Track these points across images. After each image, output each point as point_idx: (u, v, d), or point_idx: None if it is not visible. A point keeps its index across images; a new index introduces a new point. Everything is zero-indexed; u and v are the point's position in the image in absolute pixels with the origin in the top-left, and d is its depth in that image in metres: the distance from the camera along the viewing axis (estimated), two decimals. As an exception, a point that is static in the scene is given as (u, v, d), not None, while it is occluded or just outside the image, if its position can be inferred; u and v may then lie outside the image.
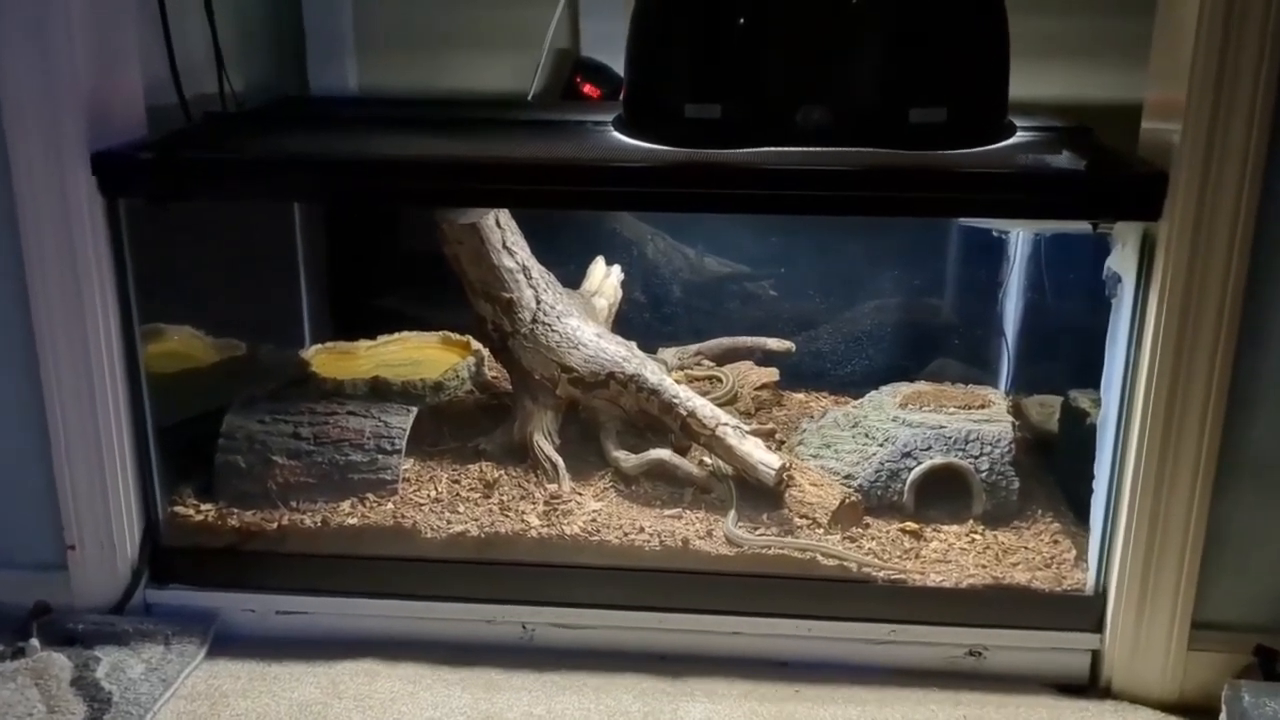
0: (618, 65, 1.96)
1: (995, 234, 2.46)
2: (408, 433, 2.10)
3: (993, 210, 1.94)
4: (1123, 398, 1.84)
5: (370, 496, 2.08)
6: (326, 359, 2.54)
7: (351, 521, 2.03)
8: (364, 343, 2.60)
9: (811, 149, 1.83)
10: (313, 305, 2.70)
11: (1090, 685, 1.92)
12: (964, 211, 2.10)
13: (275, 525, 2.03)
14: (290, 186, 1.95)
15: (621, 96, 2.01)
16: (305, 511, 2.05)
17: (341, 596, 2.00)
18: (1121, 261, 1.83)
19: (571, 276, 2.43)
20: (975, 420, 2.21)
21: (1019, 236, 2.45)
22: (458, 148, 1.96)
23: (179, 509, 2.08)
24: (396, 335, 2.63)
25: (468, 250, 2.16)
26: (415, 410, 2.15)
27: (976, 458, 2.13)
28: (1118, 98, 1.96)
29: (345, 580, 2.00)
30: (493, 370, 2.50)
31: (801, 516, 2.05)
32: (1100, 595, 1.90)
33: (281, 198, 2.11)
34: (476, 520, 2.03)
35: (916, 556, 2.01)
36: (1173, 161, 1.67)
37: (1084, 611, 1.92)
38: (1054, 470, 2.23)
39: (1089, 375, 2.09)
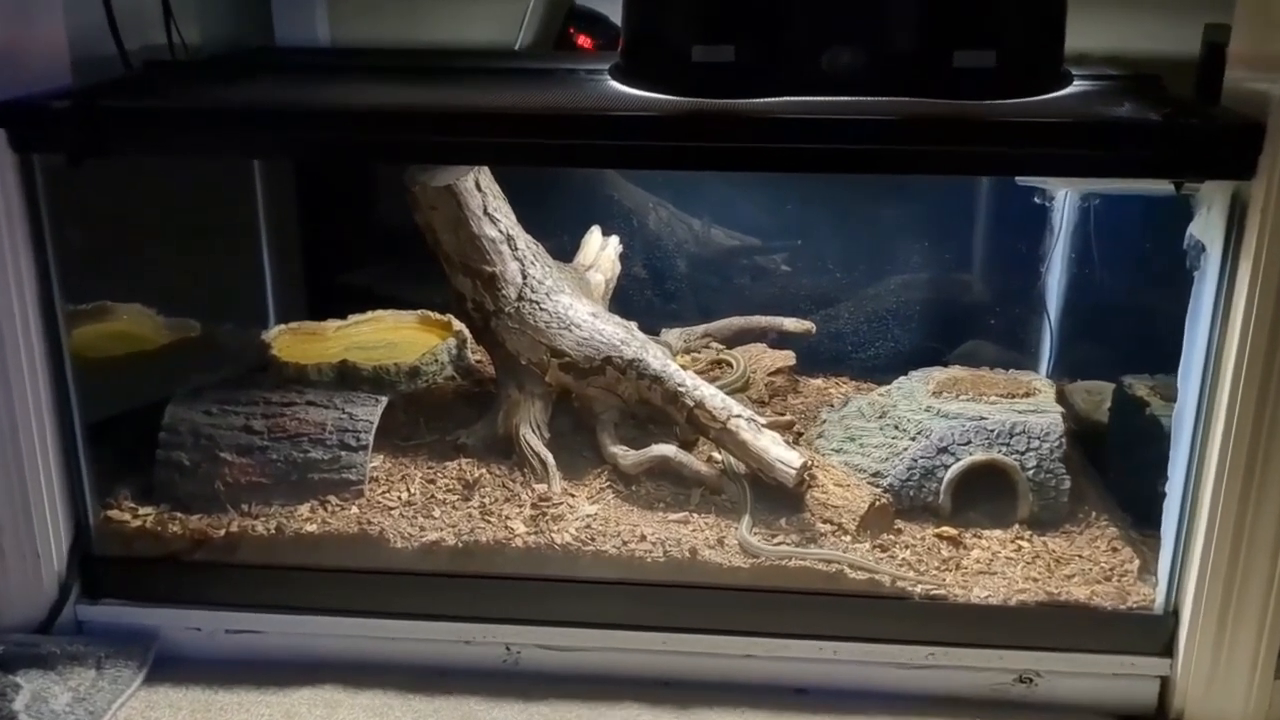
0: (617, 15, 1.86)
1: (1037, 200, 2.38)
2: (375, 425, 2.00)
3: (1059, 168, 1.80)
4: (1204, 386, 1.70)
5: (332, 499, 1.98)
6: (290, 341, 2.41)
7: (311, 528, 1.92)
8: (333, 323, 2.48)
9: (839, 99, 1.71)
10: (277, 280, 2.61)
11: (1158, 717, 1.82)
12: (1025, 169, 1.94)
13: (224, 532, 1.93)
14: (229, 140, 1.79)
15: (620, 40, 1.88)
16: (258, 516, 1.95)
17: (299, 614, 1.91)
18: (1206, 228, 1.68)
19: (564, 250, 2.34)
20: (1020, 411, 2.08)
21: (1065, 203, 2.35)
22: (427, 95, 1.85)
23: (114, 513, 1.97)
24: (369, 314, 2.52)
25: (443, 217, 2.03)
26: (385, 399, 2.07)
27: (1022, 453, 2.01)
28: (1159, 51, 1.91)
29: (304, 595, 1.91)
30: (477, 353, 2.41)
31: (825, 521, 1.94)
32: (1171, 614, 1.79)
33: (219, 152, 1.92)
34: (454, 527, 1.93)
35: (956, 567, 1.90)
36: (1270, 114, 1.53)
37: (1152, 632, 1.81)
38: (1104, 466, 2.12)
39: (1146, 359, 2.08)
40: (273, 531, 1.93)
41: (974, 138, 1.64)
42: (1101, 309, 2.34)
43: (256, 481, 1.97)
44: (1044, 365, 2.44)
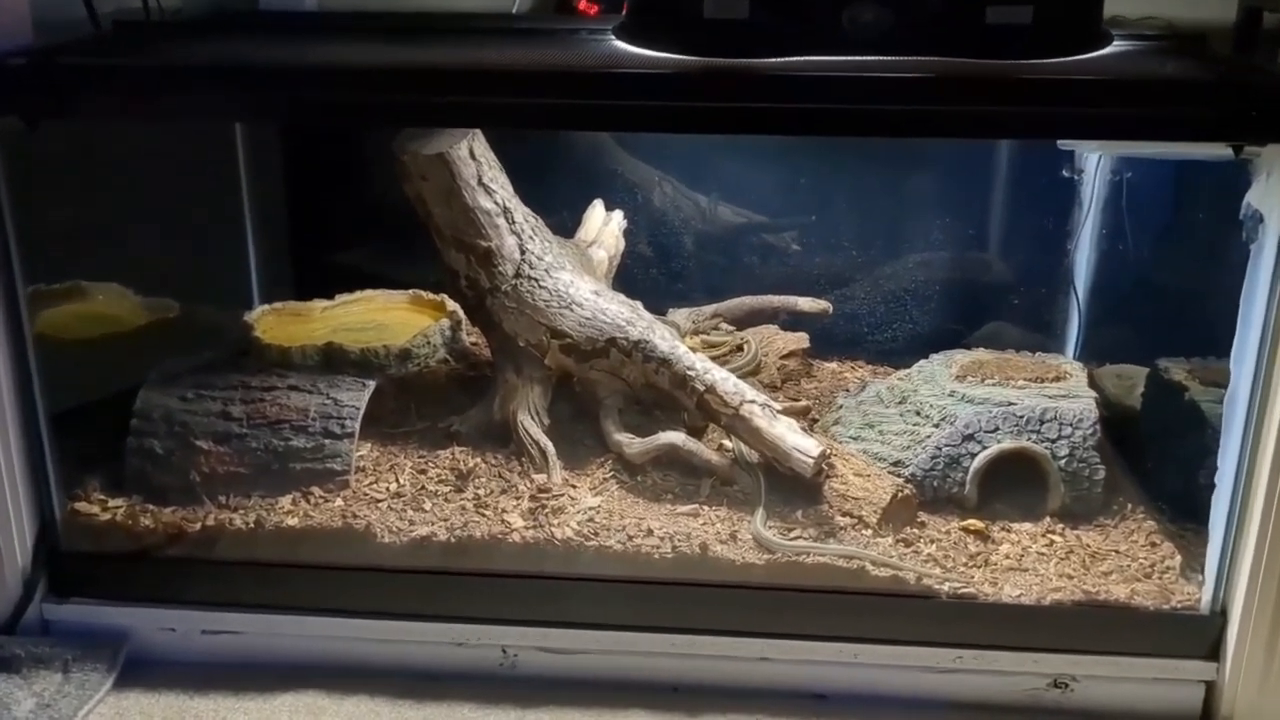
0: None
1: (1065, 173, 2.36)
2: (362, 411, 1.97)
3: (1111, 130, 1.71)
4: (1259, 368, 1.65)
5: (316, 490, 1.94)
6: (275, 322, 2.36)
7: (292, 521, 1.89)
8: (320, 303, 2.44)
9: (862, 58, 1.63)
10: (262, 258, 2.57)
11: (1204, 724, 1.78)
12: (1073, 132, 1.83)
13: (199, 525, 1.90)
14: (197, 101, 1.72)
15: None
16: (236, 508, 1.92)
17: (280, 613, 1.88)
18: (1266, 196, 1.62)
19: (564, 228, 2.31)
20: (1050, 396, 2.05)
21: (1096, 175, 2.32)
22: (418, 54, 1.78)
23: (82, 505, 1.93)
24: (359, 294, 2.48)
25: (434, 188, 1.99)
26: (373, 384, 2.03)
27: (1054, 441, 1.97)
28: (1193, 16, 1.87)
29: (285, 593, 1.88)
30: (472, 335, 2.37)
31: (845, 514, 1.91)
32: (1219, 614, 1.76)
33: (186, 115, 1.85)
34: (446, 520, 1.90)
35: (985, 563, 1.87)
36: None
37: (1198, 634, 1.77)
38: (1137, 455, 2.09)
39: (1183, 341, 2.07)
40: (252, 525, 1.89)
41: (1017, 98, 1.58)
42: (1134, 288, 2.32)
43: (234, 471, 1.94)
44: (1071, 348, 2.43)
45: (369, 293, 2.48)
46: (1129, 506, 1.97)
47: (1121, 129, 1.67)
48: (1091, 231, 2.34)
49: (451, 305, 2.39)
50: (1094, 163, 2.28)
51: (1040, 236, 2.41)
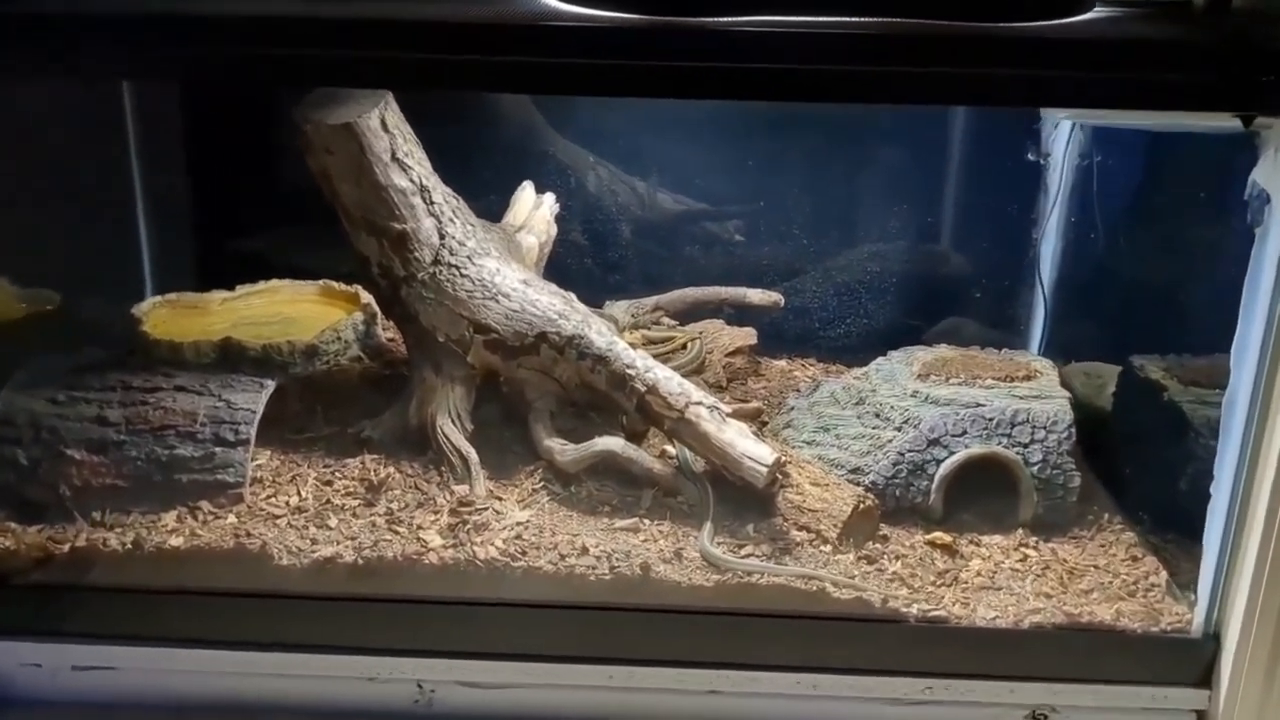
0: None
1: (1030, 157, 2.34)
2: (259, 415, 1.91)
3: (1104, 96, 1.62)
4: (1262, 364, 1.59)
5: (205, 505, 1.87)
6: (167, 316, 2.27)
7: (177, 541, 1.82)
8: (219, 294, 2.37)
9: (821, 18, 1.54)
10: (156, 244, 2.50)
11: (1195, 757, 1.77)
12: (1062, 99, 1.79)
13: (69, 546, 1.83)
14: (68, 56, 1.61)
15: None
16: (112, 527, 1.85)
17: (162, 646, 1.80)
18: (1274, 174, 1.55)
19: (491, 213, 2.23)
20: (1021, 396, 2.00)
21: (1064, 159, 2.30)
22: (323, 4, 1.64)
23: None
24: (263, 285, 2.41)
25: (341, 163, 1.91)
26: (272, 384, 1.96)
27: (1026, 446, 1.92)
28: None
29: (168, 623, 1.81)
30: (389, 330, 2.31)
31: (801, 529, 1.85)
32: (1212, 637, 1.72)
33: (56, 73, 1.74)
34: (354, 539, 1.84)
35: (954, 581, 1.81)
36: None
37: (1189, 659, 1.73)
38: (1109, 460, 2.04)
39: (1160, 336, 2.04)
40: (130, 545, 1.82)
41: (1003, 59, 1.52)
42: (1105, 279, 2.28)
43: (111, 484, 1.87)
44: (1035, 344, 2.42)
45: (275, 283, 2.42)
46: (1105, 516, 1.93)
47: (1118, 96, 1.60)
48: (1059, 219, 2.32)
49: (366, 297, 2.33)
50: (1062, 146, 2.24)
51: (1003, 225, 2.39)
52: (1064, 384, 2.08)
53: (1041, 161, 2.29)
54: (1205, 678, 1.71)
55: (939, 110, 2.31)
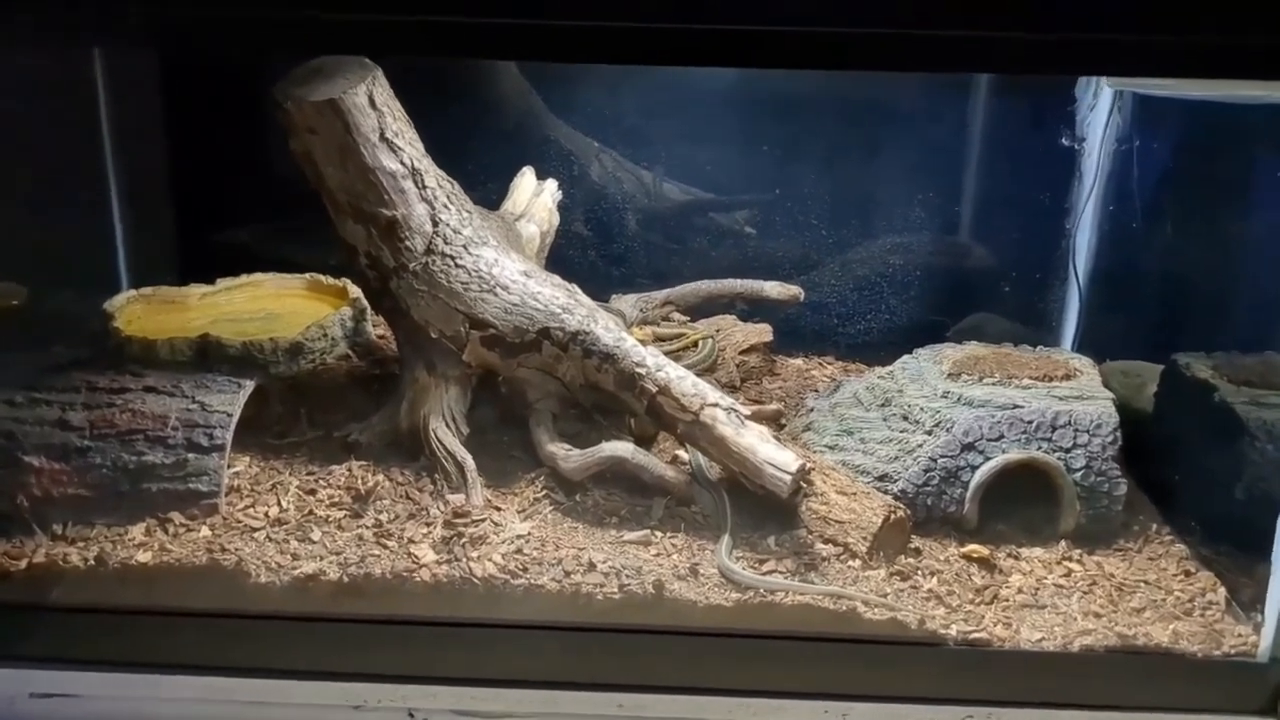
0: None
1: (1064, 142, 2.29)
2: (236, 418, 1.85)
3: (1165, 64, 1.52)
4: None
5: (176, 517, 1.81)
6: (142, 311, 2.23)
7: (145, 557, 1.76)
8: (198, 288, 2.32)
9: None
10: (132, 235, 2.47)
11: (1259, 793, 1.69)
12: (1120, 66, 1.70)
13: (25, 563, 1.77)
14: (26, 21, 1.52)
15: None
16: (75, 541, 1.79)
17: (129, 671, 1.74)
18: None
19: (489, 201, 2.19)
20: (1061, 397, 1.94)
21: (1100, 145, 2.26)
22: None
23: None
24: (245, 278, 2.36)
25: (325, 144, 1.84)
26: (251, 384, 1.91)
27: (1068, 450, 1.86)
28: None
29: (135, 647, 1.75)
30: (380, 327, 2.27)
31: (828, 542, 1.77)
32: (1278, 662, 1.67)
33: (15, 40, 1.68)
34: (338, 554, 1.77)
35: (994, 599, 1.73)
36: None
37: (1254, 685, 1.66)
38: (1151, 466, 1.99)
39: (1208, 332, 2.00)
40: (93, 561, 1.76)
41: (1045, 24, 1.42)
42: (1148, 272, 2.25)
43: (74, 494, 1.81)
44: (1068, 341, 2.38)
45: (258, 276, 2.38)
46: (1152, 527, 1.87)
47: (1182, 64, 1.50)
48: (1095, 207, 2.27)
49: (355, 291, 2.28)
50: (1099, 129, 2.19)
51: (1034, 214, 2.36)
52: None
53: (1076, 146, 2.25)
54: (1273, 705, 1.66)
55: (964, 91, 2.26)
